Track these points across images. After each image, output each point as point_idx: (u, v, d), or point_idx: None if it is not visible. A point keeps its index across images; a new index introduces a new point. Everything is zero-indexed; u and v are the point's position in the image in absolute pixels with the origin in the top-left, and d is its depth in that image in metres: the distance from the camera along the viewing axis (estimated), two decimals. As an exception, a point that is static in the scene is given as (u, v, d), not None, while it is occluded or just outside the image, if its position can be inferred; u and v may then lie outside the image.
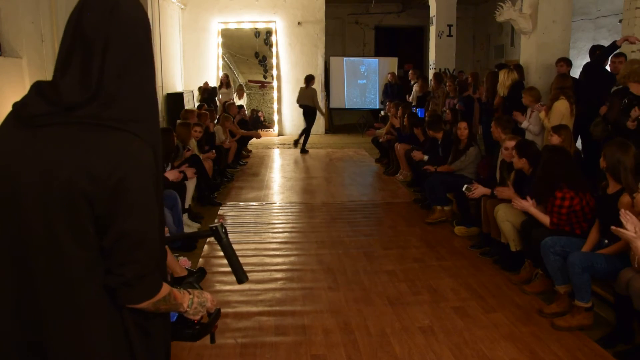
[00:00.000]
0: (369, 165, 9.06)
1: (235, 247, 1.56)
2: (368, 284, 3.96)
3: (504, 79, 6.19)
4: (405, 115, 7.57)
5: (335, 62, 13.18)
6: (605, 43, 5.99)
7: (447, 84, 8.61)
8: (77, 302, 1.16)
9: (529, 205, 3.73)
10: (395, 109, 8.18)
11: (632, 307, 2.85)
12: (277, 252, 4.71)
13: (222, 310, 3.33)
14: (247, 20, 12.21)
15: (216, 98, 10.96)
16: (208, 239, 4.76)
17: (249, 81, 12.40)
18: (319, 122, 11.56)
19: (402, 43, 15.94)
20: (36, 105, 1.15)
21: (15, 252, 1.16)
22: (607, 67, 5.81)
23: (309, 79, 10.07)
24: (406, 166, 7.46)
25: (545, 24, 6.51)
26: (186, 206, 5.21)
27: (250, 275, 3.98)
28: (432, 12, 10.97)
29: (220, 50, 12.31)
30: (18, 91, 4.63)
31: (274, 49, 12.30)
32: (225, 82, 11.24)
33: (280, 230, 5.40)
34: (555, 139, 4.22)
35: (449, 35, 10.83)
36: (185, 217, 5.09)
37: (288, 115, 12.56)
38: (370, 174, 8.37)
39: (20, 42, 4.98)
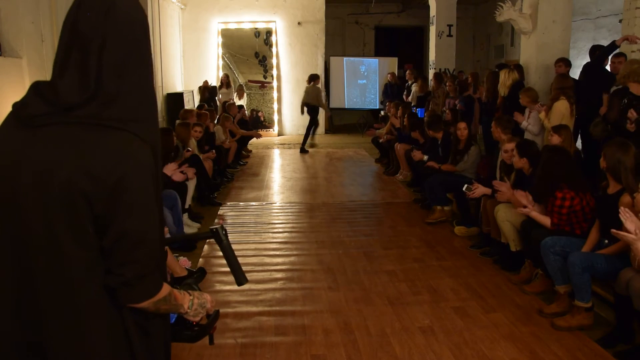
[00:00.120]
0: (369, 165, 9.06)
1: (235, 247, 1.57)
2: (368, 284, 3.96)
3: (505, 79, 6.20)
4: (405, 115, 7.58)
5: (335, 62, 13.18)
6: (605, 43, 5.98)
7: (447, 84, 8.61)
8: (77, 302, 1.16)
9: (528, 211, 3.73)
10: (395, 109, 8.19)
11: (632, 307, 2.85)
12: (277, 252, 4.71)
13: (222, 310, 3.34)
14: (247, 20, 12.21)
15: (216, 98, 10.96)
16: (208, 239, 4.75)
17: (249, 81, 12.40)
18: (320, 122, 11.56)
19: (402, 43, 15.95)
20: (35, 106, 1.14)
21: (15, 252, 1.16)
22: (607, 67, 5.81)
23: (312, 78, 10.09)
24: (406, 166, 7.46)
25: (545, 24, 6.51)
26: (186, 206, 5.21)
27: (250, 275, 4.00)
28: (432, 12, 10.97)
29: (220, 50, 12.31)
30: (18, 91, 4.63)
31: (274, 49, 12.30)
32: (225, 82, 11.24)
33: (280, 230, 5.40)
34: (556, 139, 4.22)
35: (449, 35, 10.83)
36: (185, 217, 5.10)
37: (288, 115, 12.56)
38: (370, 174, 8.37)
39: (20, 42, 4.98)
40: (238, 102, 10.54)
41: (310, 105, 10.01)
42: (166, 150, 4.84)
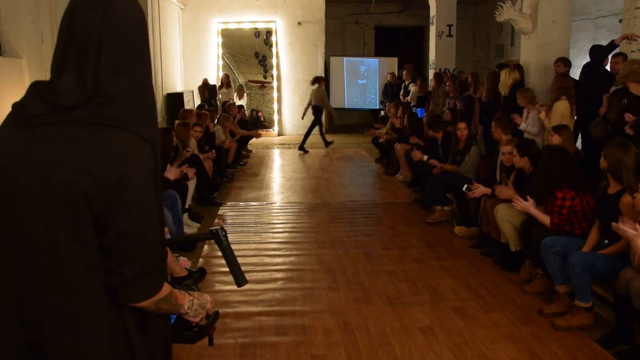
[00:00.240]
0: (369, 165, 9.06)
1: (235, 247, 1.56)
2: (368, 284, 3.96)
3: (505, 79, 6.20)
4: (405, 115, 7.58)
5: (335, 62, 13.18)
6: (605, 43, 5.98)
7: (447, 84, 8.61)
8: (77, 302, 1.16)
9: (529, 205, 3.73)
10: (395, 109, 8.19)
11: (632, 307, 2.85)
12: (277, 252, 4.71)
13: (222, 310, 3.34)
14: (247, 20, 12.21)
15: (216, 98, 10.96)
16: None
17: (249, 81, 12.41)
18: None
19: (402, 43, 15.95)
20: (35, 106, 1.14)
21: (15, 252, 1.16)
22: (607, 67, 5.81)
23: (317, 80, 10.17)
24: (406, 166, 7.46)
25: (545, 24, 6.51)
26: (186, 206, 5.21)
27: (250, 276, 4.00)
28: (432, 12, 10.96)
29: (220, 50, 12.31)
30: (18, 91, 4.63)
31: (274, 49, 12.30)
32: (225, 82, 11.25)
33: (280, 230, 5.40)
34: (556, 139, 4.22)
35: (449, 35, 10.82)
36: (185, 217, 5.09)
37: (288, 115, 12.56)
38: (370, 174, 8.37)
39: (20, 42, 4.98)
40: (238, 102, 10.54)
41: (315, 106, 10.06)
42: (166, 150, 4.83)
